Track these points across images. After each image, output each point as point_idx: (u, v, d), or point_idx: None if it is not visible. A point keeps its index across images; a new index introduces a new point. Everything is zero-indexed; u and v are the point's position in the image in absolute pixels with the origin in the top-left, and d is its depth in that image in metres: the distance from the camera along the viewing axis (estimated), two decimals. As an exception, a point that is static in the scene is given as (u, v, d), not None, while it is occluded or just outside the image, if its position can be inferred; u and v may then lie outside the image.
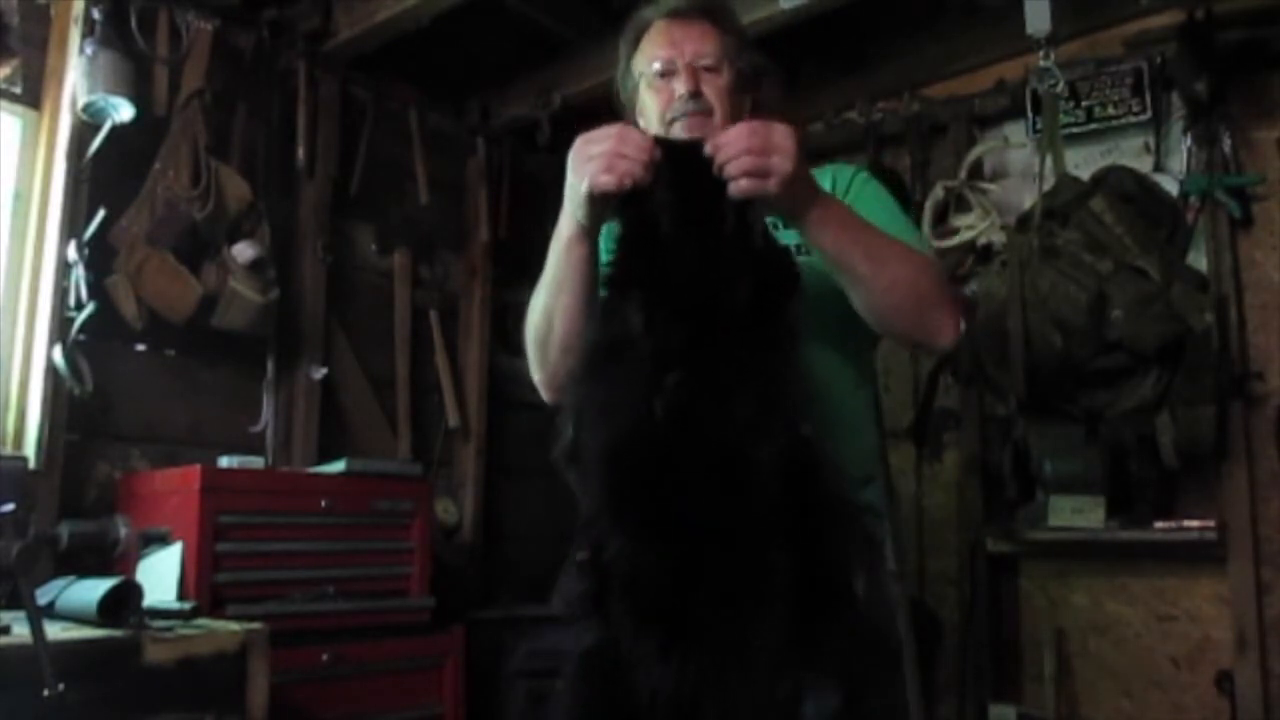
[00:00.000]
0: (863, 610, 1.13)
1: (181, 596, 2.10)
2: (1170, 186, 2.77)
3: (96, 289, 2.40)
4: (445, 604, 2.64)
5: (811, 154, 1.27)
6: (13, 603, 1.69)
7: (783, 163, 1.15)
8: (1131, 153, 2.88)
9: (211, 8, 2.72)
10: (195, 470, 2.25)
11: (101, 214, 2.41)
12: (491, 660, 2.78)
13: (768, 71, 1.53)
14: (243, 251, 2.65)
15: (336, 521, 2.45)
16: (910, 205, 3.06)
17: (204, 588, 2.16)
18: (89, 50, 2.40)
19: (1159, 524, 2.62)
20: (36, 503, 2.26)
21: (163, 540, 2.01)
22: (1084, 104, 2.90)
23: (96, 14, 2.44)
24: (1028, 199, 2.91)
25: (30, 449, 2.34)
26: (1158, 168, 2.82)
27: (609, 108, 1.53)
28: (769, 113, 1.49)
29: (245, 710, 1.83)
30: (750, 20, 2.46)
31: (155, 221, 2.49)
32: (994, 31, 2.99)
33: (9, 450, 2.34)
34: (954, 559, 3.00)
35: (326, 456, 2.80)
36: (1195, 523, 2.58)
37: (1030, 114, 2.97)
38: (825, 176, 1.45)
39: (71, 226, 2.41)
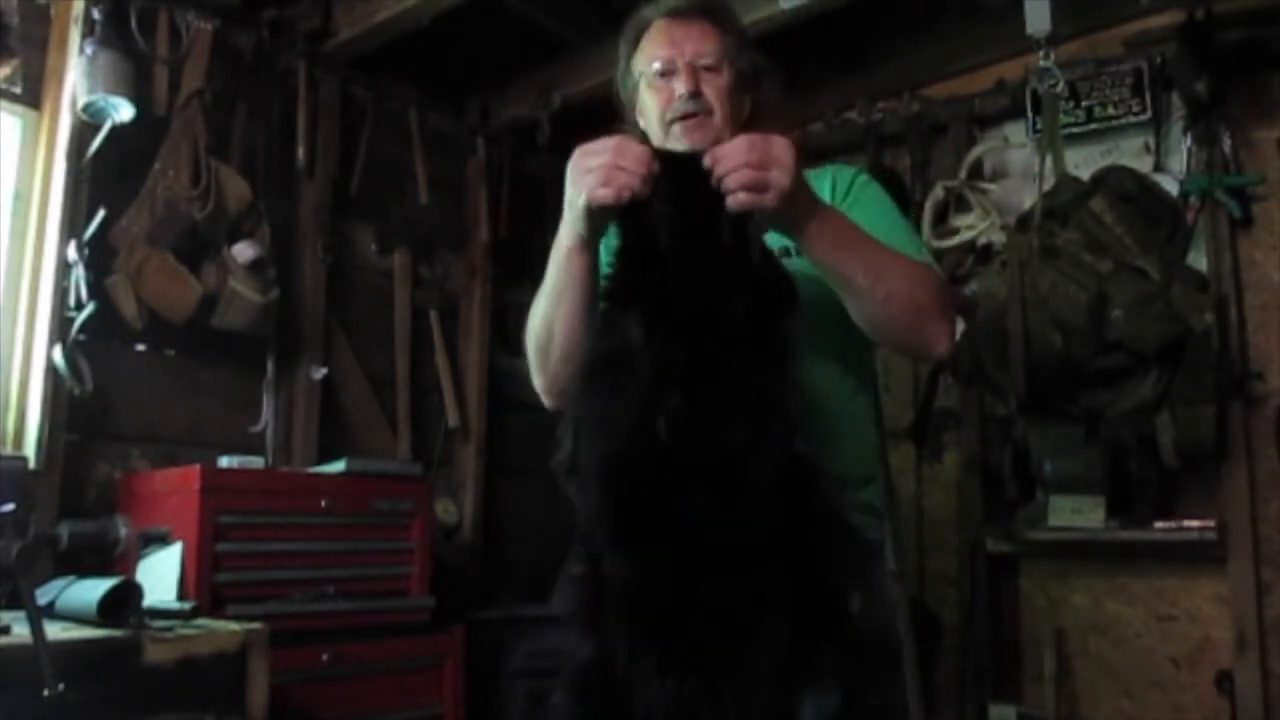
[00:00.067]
0: (859, 626, 1.12)
1: (181, 596, 2.10)
2: (1170, 186, 2.77)
3: (96, 289, 2.40)
4: (445, 604, 2.64)
5: (811, 154, 1.27)
6: (13, 603, 1.69)
7: (781, 177, 1.15)
8: (1131, 153, 2.88)
9: (211, 8, 2.72)
10: (195, 470, 2.25)
11: (101, 214, 2.41)
12: (491, 660, 2.78)
13: (768, 71, 1.52)
14: (243, 251, 2.65)
15: (336, 521, 2.45)
16: (910, 205, 3.06)
17: (204, 588, 2.16)
18: (89, 50, 2.41)
19: (1159, 524, 2.62)
20: (36, 503, 2.26)
21: (163, 540, 2.01)
22: (1084, 104, 2.90)
23: (96, 14, 2.44)
24: (1028, 199, 2.91)
25: (30, 449, 2.34)
26: (1158, 168, 2.82)
27: (609, 108, 1.53)
28: (769, 113, 1.49)
29: (245, 710, 1.83)
30: (750, 20, 2.45)
31: (155, 221, 2.49)
32: (994, 31, 2.98)
33: (9, 450, 2.34)
34: (954, 559, 3.00)
35: (326, 456, 2.80)
36: (1195, 523, 2.58)
37: (1030, 114, 2.96)
38: (825, 177, 1.45)
39: (71, 226, 2.42)
